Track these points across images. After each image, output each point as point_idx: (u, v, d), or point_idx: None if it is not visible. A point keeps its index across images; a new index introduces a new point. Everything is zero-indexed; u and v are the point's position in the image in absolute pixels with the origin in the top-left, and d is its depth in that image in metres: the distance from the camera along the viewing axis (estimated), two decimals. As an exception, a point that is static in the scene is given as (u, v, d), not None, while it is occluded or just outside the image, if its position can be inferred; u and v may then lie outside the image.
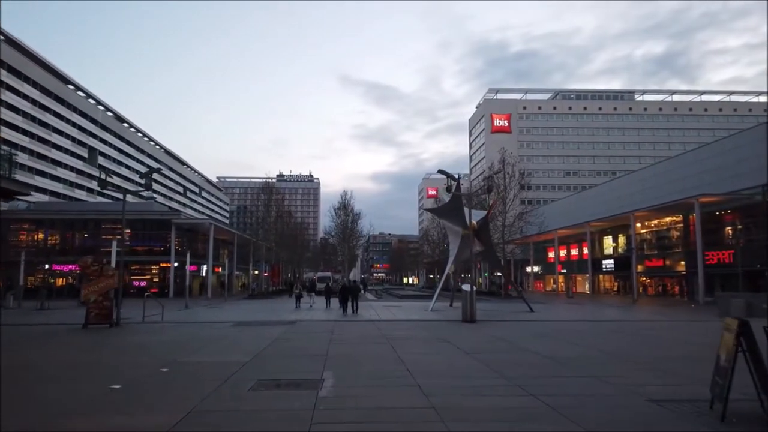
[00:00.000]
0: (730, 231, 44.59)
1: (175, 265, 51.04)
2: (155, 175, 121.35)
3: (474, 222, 31.46)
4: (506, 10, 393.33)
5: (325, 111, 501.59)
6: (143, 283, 53.26)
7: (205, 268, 55.87)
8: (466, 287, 20.24)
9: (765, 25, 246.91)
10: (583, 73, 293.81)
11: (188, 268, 41.22)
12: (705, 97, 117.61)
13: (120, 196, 23.36)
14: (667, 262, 51.62)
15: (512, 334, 17.40)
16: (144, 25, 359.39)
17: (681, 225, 49.73)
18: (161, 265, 53.20)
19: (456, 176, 17.81)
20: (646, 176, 59.32)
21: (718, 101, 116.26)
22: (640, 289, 56.68)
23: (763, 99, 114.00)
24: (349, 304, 28.58)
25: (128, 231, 53.99)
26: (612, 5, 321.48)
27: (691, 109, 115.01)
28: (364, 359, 12.35)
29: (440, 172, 18.52)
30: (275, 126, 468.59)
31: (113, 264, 26.70)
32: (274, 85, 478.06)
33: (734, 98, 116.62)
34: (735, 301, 23.06)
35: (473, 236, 31.04)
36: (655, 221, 53.93)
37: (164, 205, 68.43)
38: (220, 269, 61.51)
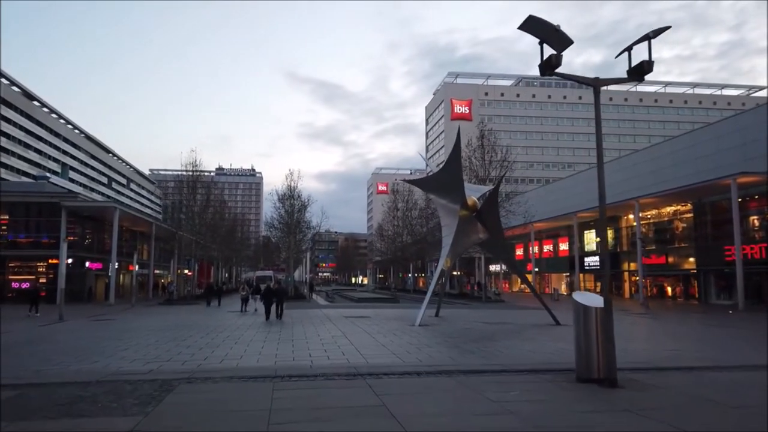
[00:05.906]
0: (756, 221, 37.23)
1: (69, 261, 39.35)
2: (71, 161, 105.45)
3: (474, 198, 22.07)
4: (453, 14, 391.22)
5: (271, 109, 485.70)
6: (26, 285, 41.35)
7: (113, 266, 44.29)
8: (587, 300, 8.63)
9: (695, 38, 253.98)
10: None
11: (64, 262, 30.01)
12: (669, 89, 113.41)
13: None
14: (670, 259, 44.17)
15: None
16: (87, 17, 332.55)
17: (689, 215, 42.27)
18: (50, 261, 41.33)
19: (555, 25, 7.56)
20: (642, 159, 51.97)
21: (683, 93, 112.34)
22: (633, 289, 49.27)
23: (726, 92, 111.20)
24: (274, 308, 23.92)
25: (5, 218, 42.11)
26: (554, 14, 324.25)
27: (656, 100, 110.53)
28: None
29: (524, 26, 8.48)
30: (220, 122, 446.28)
31: None
32: (219, 82, 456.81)
33: (698, 91, 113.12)
34: None
35: (475, 218, 21.67)
36: (654, 211, 46.42)
37: (64, 188, 55.22)
38: (136, 267, 49.72)
